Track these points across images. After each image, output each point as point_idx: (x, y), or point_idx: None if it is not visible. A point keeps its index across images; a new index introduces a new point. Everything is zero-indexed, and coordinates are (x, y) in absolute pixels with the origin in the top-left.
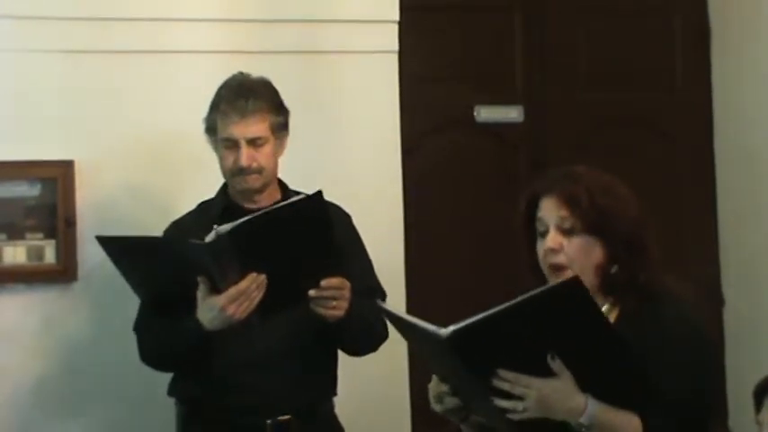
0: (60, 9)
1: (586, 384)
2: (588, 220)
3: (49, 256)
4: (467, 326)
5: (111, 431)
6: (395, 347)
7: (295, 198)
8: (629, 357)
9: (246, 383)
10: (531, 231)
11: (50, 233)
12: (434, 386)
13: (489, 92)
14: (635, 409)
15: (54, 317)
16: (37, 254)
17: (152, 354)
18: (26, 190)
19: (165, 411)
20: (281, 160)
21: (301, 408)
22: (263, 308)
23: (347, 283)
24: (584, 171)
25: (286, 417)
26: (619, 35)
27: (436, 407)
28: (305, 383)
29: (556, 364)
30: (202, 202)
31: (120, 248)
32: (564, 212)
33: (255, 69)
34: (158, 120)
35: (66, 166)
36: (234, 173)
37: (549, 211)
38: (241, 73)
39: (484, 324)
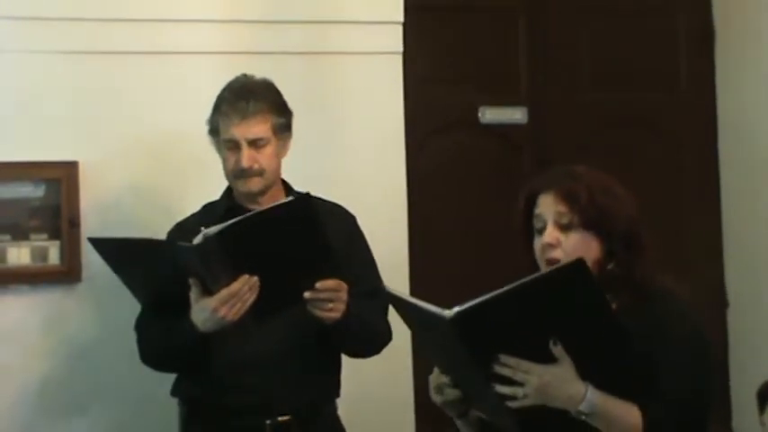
0: (65, 10)
1: (587, 372)
2: (586, 216)
3: (53, 257)
4: (471, 307)
5: (115, 431)
6: (399, 349)
7: (281, 201)
8: (630, 345)
9: (246, 384)
10: (529, 229)
11: (54, 234)
12: (435, 377)
13: (493, 93)
14: (635, 399)
15: (58, 318)
16: (41, 255)
17: (150, 354)
18: (30, 191)
19: (169, 411)
20: (284, 161)
21: (301, 408)
22: (258, 309)
23: (344, 285)
24: (582, 170)
25: (286, 417)
26: (622, 36)
27: (436, 398)
28: (305, 384)
29: (557, 350)
30: (207, 204)
31: (113, 250)
32: (562, 208)
33: (259, 70)
34: (162, 121)
35: (71, 167)
36: (236, 174)
37: (547, 206)
38: (245, 75)
39: (488, 305)
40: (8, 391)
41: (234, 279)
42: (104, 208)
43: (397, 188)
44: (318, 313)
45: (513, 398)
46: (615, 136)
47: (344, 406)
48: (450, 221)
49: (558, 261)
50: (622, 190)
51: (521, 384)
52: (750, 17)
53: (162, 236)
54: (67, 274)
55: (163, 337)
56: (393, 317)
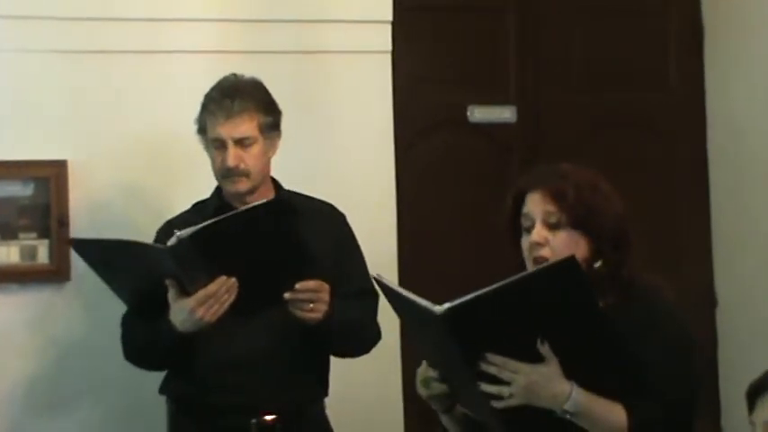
0: (56, 9)
1: (572, 372)
2: (574, 215)
3: (42, 255)
4: (462, 303)
5: (103, 430)
6: (388, 348)
7: (254, 204)
8: (618, 345)
9: (231, 383)
10: (517, 228)
11: (43, 233)
12: (423, 371)
13: (482, 92)
14: (620, 398)
15: (47, 316)
16: (30, 254)
17: (132, 352)
18: (19, 190)
19: (157, 410)
20: (273, 160)
21: (287, 408)
22: (238, 310)
23: (325, 286)
24: (570, 168)
25: (271, 417)
26: (612, 35)
27: (422, 391)
28: (291, 384)
29: (544, 349)
30: (197, 202)
31: (92, 251)
32: (550, 207)
33: (249, 69)
34: (152, 120)
35: (60, 166)
36: (223, 174)
37: (536, 205)
38: (234, 74)
39: (479, 302)
40: None
41: (211, 280)
42: (94, 207)
43: (386, 187)
44: (299, 314)
45: (499, 397)
46: (604, 135)
47: (333, 405)
48: (439, 220)
49: (545, 260)
50: (610, 188)
51: (507, 383)
52: (739, 16)
53: (151, 234)
54: (56, 273)
55: (144, 335)
56: (382, 315)
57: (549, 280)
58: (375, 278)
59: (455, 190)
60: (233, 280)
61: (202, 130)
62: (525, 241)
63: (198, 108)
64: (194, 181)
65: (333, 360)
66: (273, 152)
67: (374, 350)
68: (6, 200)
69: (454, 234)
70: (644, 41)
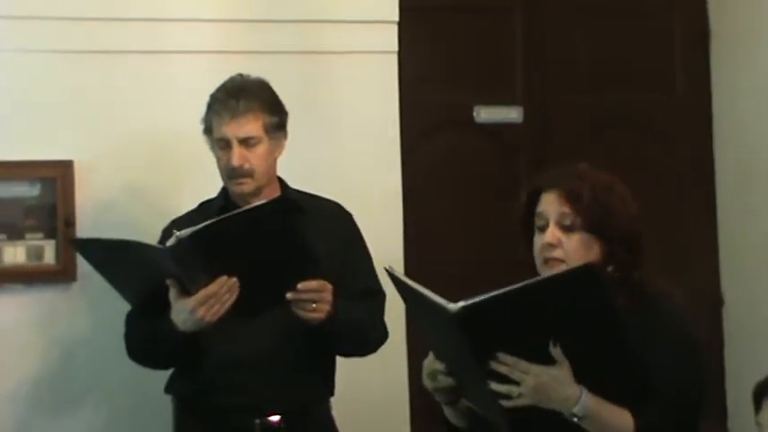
0: (59, 9)
1: (582, 375)
2: (589, 219)
3: (49, 256)
4: (476, 303)
5: (110, 430)
6: (394, 348)
7: (255, 204)
8: (629, 351)
9: (235, 383)
10: (530, 225)
11: (50, 233)
12: (429, 363)
13: (489, 92)
14: (628, 404)
15: (53, 317)
16: (36, 254)
17: (135, 350)
18: (26, 190)
19: (163, 410)
20: (280, 160)
21: (292, 408)
22: (240, 310)
23: (327, 286)
24: (587, 169)
25: (276, 417)
26: (618, 36)
27: (428, 383)
28: (295, 384)
29: (556, 352)
30: (203, 202)
31: (94, 251)
32: (566, 209)
33: (255, 70)
34: (157, 120)
35: (66, 167)
36: (228, 174)
37: (551, 205)
38: (240, 75)
39: (494, 302)
40: (2, 390)
41: (212, 280)
42: (100, 207)
43: (393, 187)
44: (302, 314)
45: (507, 396)
46: (610, 136)
47: (339, 406)
48: (445, 220)
49: (557, 261)
50: (626, 191)
51: (516, 383)
52: (746, 18)
53: (157, 234)
54: (63, 273)
55: (147, 334)
56: (389, 314)
57: (567, 285)
58: (387, 270)
59: (461, 190)
60: (234, 280)
61: (208, 130)
62: (538, 240)
63: (202, 108)
64: (200, 181)
65: (339, 360)
66: (279, 153)
67: (380, 350)
68: (13, 200)
69: (460, 234)
70: (650, 42)
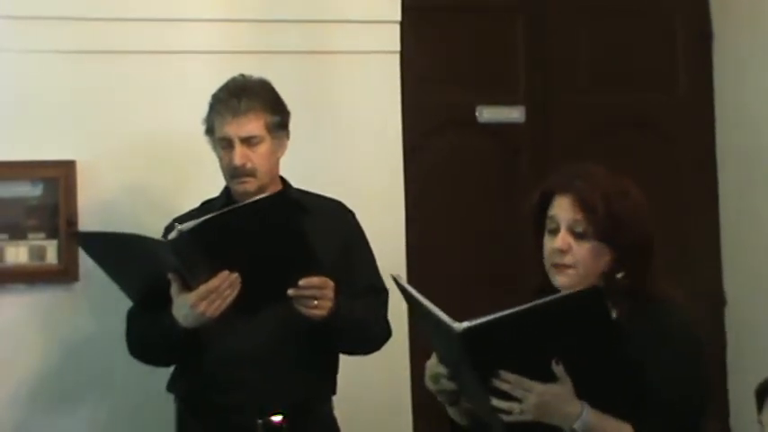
0: (62, 10)
1: (585, 391)
2: (601, 228)
3: (51, 256)
4: (482, 324)
5: (112, 430)
6: (397, 347)
7: (256, 198)
8: (631, 368)
9: (237, 382)
10: (541, 223)
11: (52, 233)
12: (432, 365)
13: (491, 92)
14: (629, 418)
15: (55, 317)
16: (39, 254)
17: (136, 347)
18: (28, 190)
19: (166, 409)
20: (282, 160)
21: (294, 407)
22: (242, 306)
23: (329, 283)
24: (601, 173)
25: (278, 416)
26: (620, 36)
27: (430, 385)
28: (297, 381)
29: (559, 370)
30: (205, 201)
31: (96, 245)
32: (578, 216)
33: (257, 70)
34: (159, 120)
35: (68, 167)
36: (231, 174)
37: (563, 211)
38: (242, 75)
39: (498, 324)
40: (5, 389)
41: (213, 275)
42: (102, 207)
43: (395, 188)
44: (304, 311)
45: (508, 412)
46: (613, 136)
47: (341, 405)
48: (447, 220)
49: (567, 267)
50: (640, 197)
51: (518, 400)
52: (748, 18)
53: (159, 234)
54: (65, 273)
55: (148, 330)
56: (391, 312)
57: (571, 308)
58: (393, 278)
59: (463, 190)
60: (235, 275)
61: (210, 130)
62: (548, 243)
63: (205, 108)
64: (202, 180)
65: (341, 359)
66: (282, 152)
67: (383, 348)
68: (15, 200)
69: (462, 234)
70: (653, 43)
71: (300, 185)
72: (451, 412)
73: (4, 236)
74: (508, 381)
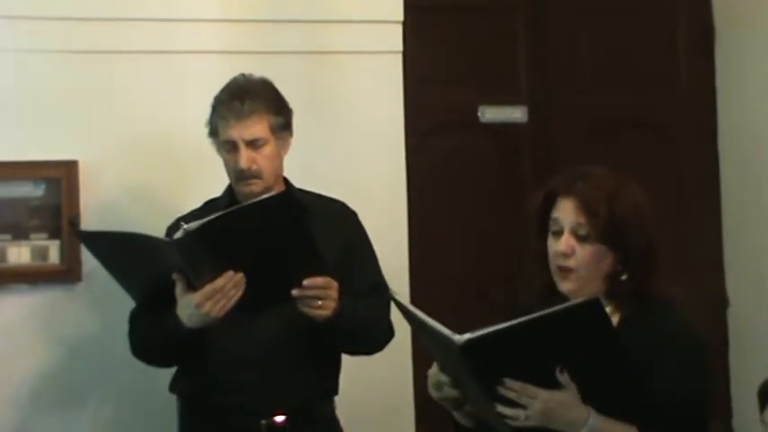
0: (64, 10)
1: (590, 396)
2: (604, 231)
3: (53, 256)
4: (482, 336)
5: (114, 430)
6: (399, 347)
7: (262, 197)
8: (635, 374)
9: (240, 382)
10: (544, 223)
11: (54, 233)
12: (435, 374)
13: (493, 92)
14: (634, 421)
15: (58, 317)
16: (41, 254)
17: (140, 348)
18: (30, 190)
19: (168, 410)
20: (285, 160)
21: (297, 408)
22: (246, 306)
23: (333, 283)
24: (604, 175)
25: (281, 417)
26: (622, 36)
27: (433, 393)
28: (300, 383)
29: (563, 378)
30: (208, 201)
31: (100, 244)
32: (581, 219)
33: (259, 70)
34: (162, 120)
35: (70, 167)
36: (237, 176)
37: (566, 213)
38: (243, 75)
39: (499, 336)
40: (7, 390)
41: (218, 275)
42: (104, 207)
43: (397, 187)
44: (308, 311)
45: (514, 419)
46: (615, 135)
47: (343, 405)
48: (449, 220)
49: (569, 269)
50: (644, 199)
51: (523, 407)
52: (750, 17)
53: (161, 235)
54: (67, 273)
55: (152, 331)
56: (394, 312)
57: (571, 320)
58: (391, 296)
59: (465, 189)
60: (240, 275)
61: (213, 132)
62: (552, 245)
63: (207, 108)
64: (205, 180)
65: (343, 360)
66: (286, 151)
67: (385, 349)
68: (17, 200)
69: (464, 234)
70: (655, 42)
71: (302, 185)
72: (457, 416)
73: (7, 236)
74: (513, 389)
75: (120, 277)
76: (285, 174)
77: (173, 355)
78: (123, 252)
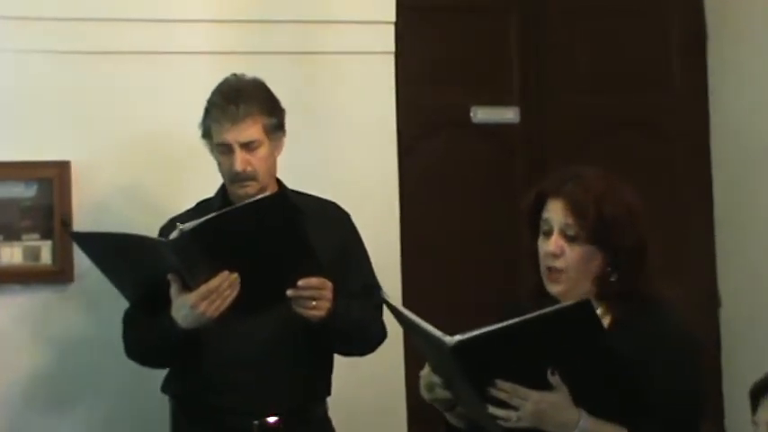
0: (58, 10)
1: (580, 398)
2: (592, 232)
3: (45, 256)
4: (473, 338)
5: (106, 431)
6: (391, 348)
7: (256, 197)
8: (626, 376)
9: (233, 383)
10: (536, 225)
11: (46, 234)
12: (426, 375)
13: (486, 93)
14: (625, 422)
15: (50, 317)
16: (33, 254)
17: (134, 349)
18: (22, 191)
19: (160, 411)
20: (278, 161)
21: (290, 409)
22: (241, 307)
23: (328, 284)
24: (594, 176)
25: (274, 418)
26: (615, 36)
27: (425, 395)
28: (294, 384)
29: (554, 379)
30: (202, 201)
31: (95, 245)
32: (569, 220)
33: (252, 70)
34: (154, 120)
35: (62, 167)
36: (231, 179)
37: (555, 214)
38: (234, 75)
39: (490, 338)
40: None
41: (213, 275)
42: (97, 208)
43: (390, 188)
44: (302, 311)
45: (505, 419)
46: (608, 136)
47: (335, 407)
48: (441, 221)
49: (558, 270)
50: (634, 199)
51: (515, 408)
52: (743, 18)
53: (154, 235)
54: (59, 273)
55: (146, 332)
56: (386, 313)
57: (562, 321)
58: (382, 299)
59: (458, 190)
60: (235, 275)
61: (207, 134)
62: (542, 245)
63: (200, 109)
64: (198, 181)
65: (336, 360)
66: (279, 152)
67: (377, 350)
68: (9, 201)
69: (457, 235)
70: (647, 42)
71: (295, 186)
72: (448, 416)
73: None
74: (504, 390)
75: (115, 278)
76: (277, 174)
77: (167, 356)
78: (118, 253)
